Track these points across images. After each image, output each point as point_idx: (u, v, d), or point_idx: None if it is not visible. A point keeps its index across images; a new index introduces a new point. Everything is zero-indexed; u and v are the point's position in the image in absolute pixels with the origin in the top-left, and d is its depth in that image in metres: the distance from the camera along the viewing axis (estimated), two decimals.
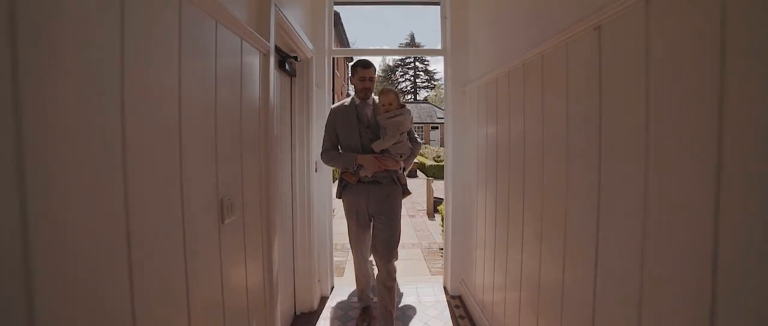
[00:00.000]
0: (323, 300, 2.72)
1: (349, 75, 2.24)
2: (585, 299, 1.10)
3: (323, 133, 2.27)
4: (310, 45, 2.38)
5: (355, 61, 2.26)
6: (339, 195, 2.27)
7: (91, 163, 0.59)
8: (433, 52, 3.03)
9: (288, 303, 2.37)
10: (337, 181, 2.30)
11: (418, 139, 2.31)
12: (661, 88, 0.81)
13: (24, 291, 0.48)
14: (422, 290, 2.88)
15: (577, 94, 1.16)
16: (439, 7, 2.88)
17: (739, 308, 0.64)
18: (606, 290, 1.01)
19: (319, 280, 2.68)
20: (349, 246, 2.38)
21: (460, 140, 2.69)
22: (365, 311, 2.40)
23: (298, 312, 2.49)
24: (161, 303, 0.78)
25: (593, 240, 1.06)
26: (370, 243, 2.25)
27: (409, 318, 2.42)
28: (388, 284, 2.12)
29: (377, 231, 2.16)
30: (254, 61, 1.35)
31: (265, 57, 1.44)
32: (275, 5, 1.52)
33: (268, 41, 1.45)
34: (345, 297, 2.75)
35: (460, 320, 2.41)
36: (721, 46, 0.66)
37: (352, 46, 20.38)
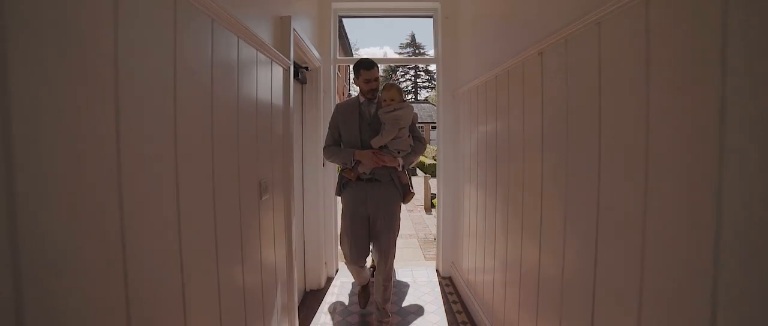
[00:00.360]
0: (329, 279, 3.07)
1: (353, 77, 2.22)
2: (533, 273, 1.46)
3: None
4: (318, 55, 2.73)
5: (357, 61, 2.20)
6: (338, 193, 2.27)
7: (203, 154, 0.94)
8: (428, 60, 3.40)
9: (299, 281, 2.72)
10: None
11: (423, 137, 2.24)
12: (576, 101, 1.16)
13: (176, 236, 0.83)
14: (417, 272, 3.24)
15: (529, 105, 1.51)
16: (432, 19, 3.22)
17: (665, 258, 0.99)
18: (548, 265, 1.36)
19: (325, 263, 3.04)
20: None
21: (451, 140, 3.04)
22: (364, 289, 2.55)
23: (307, 289, 2.85)
24: (231, 246, 1.13)
25: (537, 227, 1.41)
26: (364, 246, 2.20)
27: (405, 295, 2.77)
28: (385, 283, 2.18)
29: (375, 234, 2.17)
30: (279, 75, 1.71)
31: (286, 72, 1.80)
32: (294, 29, 1.87)
33: (288, 59, 1.80)
34: (348, 278, 3.10)
35: (449, 296, 2.76)
36: (599, 78, 1.02)
37: (353, 46, 20.77)
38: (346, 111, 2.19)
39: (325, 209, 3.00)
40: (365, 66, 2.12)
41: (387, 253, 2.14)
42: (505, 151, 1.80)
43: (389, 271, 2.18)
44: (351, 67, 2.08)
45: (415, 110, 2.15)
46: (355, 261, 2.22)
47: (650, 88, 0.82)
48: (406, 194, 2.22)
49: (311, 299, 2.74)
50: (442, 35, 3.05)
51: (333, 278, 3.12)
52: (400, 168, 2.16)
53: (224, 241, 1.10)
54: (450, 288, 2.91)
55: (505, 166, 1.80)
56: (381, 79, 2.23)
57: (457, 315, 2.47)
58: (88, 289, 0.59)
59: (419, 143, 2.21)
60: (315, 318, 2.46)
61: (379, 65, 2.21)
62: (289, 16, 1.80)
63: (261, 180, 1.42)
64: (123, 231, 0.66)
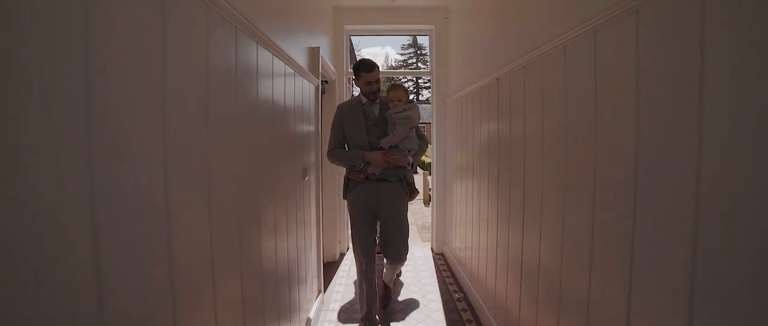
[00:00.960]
0: (342, 255, 3.71)
1: (353, 78, 2.26)
2: (496, 247, 2.08)
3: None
4: (333, 69, 3.36)
5: (356, 62, 2.18)
6: (345, 196, 2.27)
7: (282, 152, 1.57)
8: (424, 73, 4.03)
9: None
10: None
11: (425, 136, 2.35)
12: (516, 117, 1.78)
13: (236, 226, 1.46)
14: (415, 250, 3.87)
15: (493, 115, 2.13)
16: (427, 36, 3.85)
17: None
18: (504, 241, 1.98)
19: (339, 241, 3.67)
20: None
21: (442, 141, 3.66)
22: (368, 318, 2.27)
23: (325, 262, 3.49)
24: (288, 219, 1.76)
25: (501, 218, 2.03)
26: (374, 245, 2.25)
27: (405, 267, 3.40)
28: (395, 274, 2.51)
29: (387, 235, 2.20)
30: (312, 91, 2.34)
31: (316, 88, 2.43)
32: (322, 56, 2.50)
33: (317, 78, 2.43)
34: None
35: (440, 266, 3.39)
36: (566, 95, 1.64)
37: (356, 50, 21.50)
38: (349, 112, 2.19)
39: (338, 196, 3.63)
40: (365, 68, 2.10)
41: (399, 253, 2.21)
42: (478, 153, 2.42)
43: (398, 269, 2.38)
44: (353, 68, 2.16)
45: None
46: (366, 261, 2.18)
47: (597, 98, 1.44)
48: (411, 192, 2.26)
49: (327, 269, 3.36)
50: (436, 52, 3.67)
51: (344, 253, 3.76)
52: (409, 167, 2.20)
53: (292, 205, 1.73)
54: (442, 261, 3.54)
55: (481, 166, 2.42)
56: (383, 79, 2.34)
57: (446, 278, 3.10)
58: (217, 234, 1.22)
59: (423, 142, 2.28)
60: (332, 281, 3.09)
61: (382, 59, 2.78)
62: (318, 47, 2.43)
63: (303, 165, 2.05)
64: (239, 194, 1.29)
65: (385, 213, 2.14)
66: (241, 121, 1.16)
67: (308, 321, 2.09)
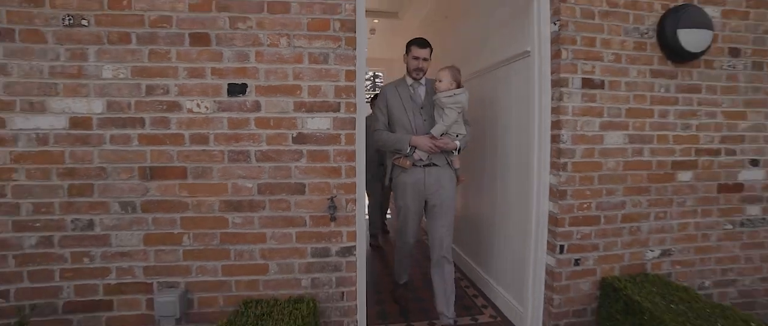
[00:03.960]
0: None
1: (404, 53, 2.16)
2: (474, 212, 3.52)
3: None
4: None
5: (411, 39, 2.10)
6: (387, 182, 2.17)
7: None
8: None
9: None
10: (379, 164, 2.29)
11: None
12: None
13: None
14: None
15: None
16: None
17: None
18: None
19: None
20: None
21: None
22: (398, 289, 2.44)
23: None
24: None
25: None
26: (416, 232, 2.15)
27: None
28: (448, 294, 2.05)
29: (431, 218, 2.09)
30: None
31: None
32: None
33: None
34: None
35: None
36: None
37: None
38: (394, 92, 2.13)
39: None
40: (418, 44, 2.07)
41: (443, 238, 2.05)
42: None
43: (450, 273, 2.06)
44: (406, 44, 2.15)
45: None
46: (409, 242, 2.16)
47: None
48: (458, 179, 2.16)
49: None
50: None
51: None
52: (457, 152, 2.08)
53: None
54: None
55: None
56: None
57: None
58: None
59: (470, 127, 2.16)
60: None
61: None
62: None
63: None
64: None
65: (433, 199, 2.06)
66: None
67: None
